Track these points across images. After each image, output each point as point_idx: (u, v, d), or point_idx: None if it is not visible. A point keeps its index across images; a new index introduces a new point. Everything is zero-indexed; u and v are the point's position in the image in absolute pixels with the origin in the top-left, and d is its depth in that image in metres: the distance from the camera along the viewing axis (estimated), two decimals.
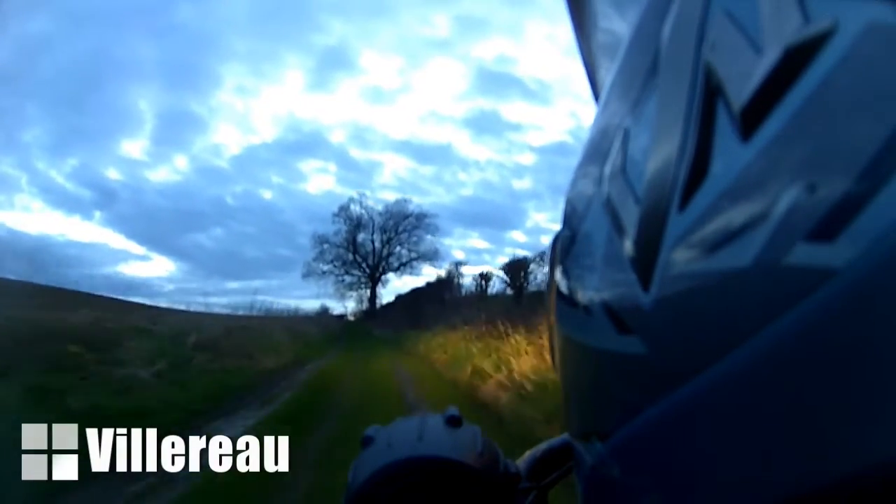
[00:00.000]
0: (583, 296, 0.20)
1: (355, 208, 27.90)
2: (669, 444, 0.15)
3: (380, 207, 28.03)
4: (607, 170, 0.19)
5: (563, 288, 0.23)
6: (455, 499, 0.29)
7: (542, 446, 0.40)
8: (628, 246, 0.17)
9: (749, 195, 0.12)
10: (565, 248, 0.24)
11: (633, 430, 0.17)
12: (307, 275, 27.75)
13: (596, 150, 0.21)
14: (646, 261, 0.16)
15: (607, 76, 0.22)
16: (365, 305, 29.19)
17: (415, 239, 27.79)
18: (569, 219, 0.24)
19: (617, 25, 0.31)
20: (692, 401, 0.14)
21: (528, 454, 0.39)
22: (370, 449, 0.33)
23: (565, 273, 0.23)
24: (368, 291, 29.19)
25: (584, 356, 0.21)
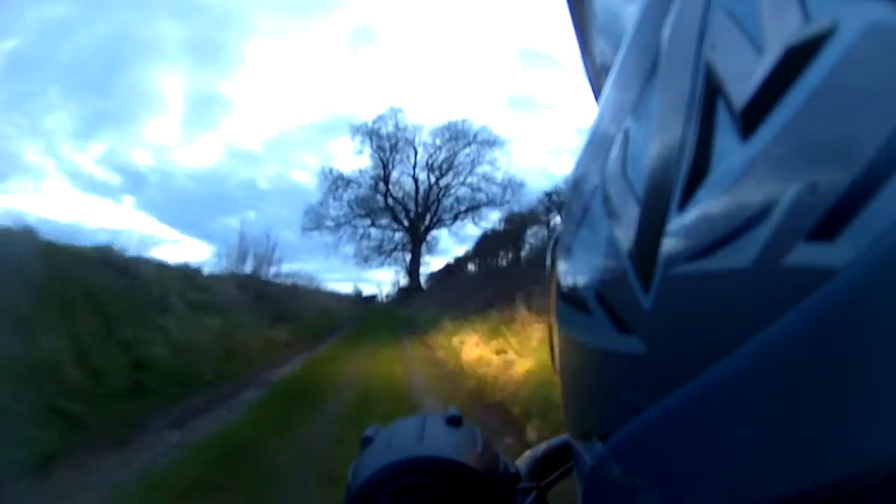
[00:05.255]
0: (583, 295, 0.20)
1: (388, 129, 18.17)
2: (669, 444, 0.15)
3: (426, 136, 18.08)
4: (607, 169, 0.19)
5: (564, 287, 0.23)
6: (455, 499, 0.29)
7: (542, 446, 0.40)
8: (628, 245, 0.17)
9: (749, 195, 0.12)
10: (565, 247, 0.24)
11: (633, 430, 0.17)
12: (310, 228, 18.12)
13: (596, 150, 0.21)
14: (646, 260, 0.16)
15: (608, 75, 0.22)
16: (403, 280, 19.13)
17: (475, 179, 17.68)
18: (569, 218, 0.24)
19: (617, 24, 0.31)
20: (692, 401, 0.14)
21: (528, 454, 0.39)
22: (370, 449, 0.33)
23: (565, 272, 0.23)
24: (409, 258, 18.75)
25: (584, 356, 0.21)
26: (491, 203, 18.42)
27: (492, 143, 18.39)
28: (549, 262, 0.29)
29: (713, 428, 0.13)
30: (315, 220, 18.75)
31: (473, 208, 18.67)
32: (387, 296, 20.77)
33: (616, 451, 0.18)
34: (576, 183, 0.24)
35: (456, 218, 19.08)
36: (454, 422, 0.34)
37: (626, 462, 0.18)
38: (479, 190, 18.52)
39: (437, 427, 0.33)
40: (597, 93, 0.35)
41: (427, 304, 13.67)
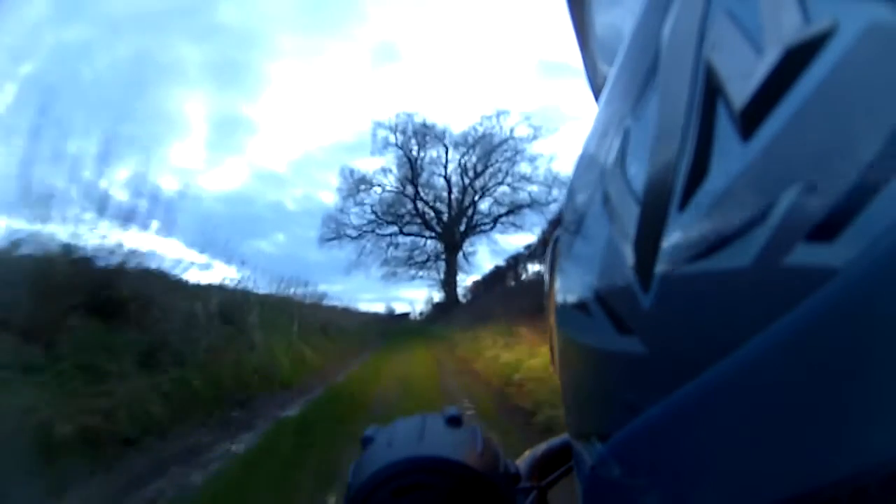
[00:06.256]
0: (583, 296, 0.20)
1: (414, 126, 15.77)
2: (669, 444, 0.15)
3: (456, 135, 15.84)
4: (607, 169, 0.19)
5: (563, 288, 0.23)
6: (455, 499, 0.29)
7: (542, 446, 0.40)
8: (628, 246, 0.17)
9: (749, 195, 0.12)
10: (565, 248, 0.24)
11: (633, 430, 0.17)
12: (329, 238, 16.06)
13: (596, 150, 0.21)
14: (645, 261, 0.16)
15: (608, 76, 0.22)
16: (438, 295, 16.61)
17: (513, 179, 15.23)
18: (569, 219, 0.24)
19: (617, 25, 0.31)
20: (692, 401, 0.14)
21: (528, 454, 0.39)
22: (370, 449, 0.33)
23: (565, 273, 0.23)
24: (443, 268, 16.42)
25: (584, 356, 0.21)
26: (535, 203, 15.86)
27: (531, 138, 15.70)
28: (548, 262, 0.29)
29: (713, 428, 0.13)
30: (335, 229, 16.47)
31: (515, 209, 16.13)
32: (420, 313, 18.48)
33: (616, 451, 0.18)
34: (576, 183, 0.24)
35: (496, 222, 16.50)
36: (454, 421, 0.34)
37: (626, 462, 0.18)
38: (521, 189, 15.93)
39: (438, 427, 0.33)
40: (597, 93, 0.35)
41: (463, 319, 10.61)
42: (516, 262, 12.04)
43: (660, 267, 0.15)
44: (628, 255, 0.17)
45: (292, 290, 9.74)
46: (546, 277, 0.29)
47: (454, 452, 0.30)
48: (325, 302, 11.74)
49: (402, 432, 0.33)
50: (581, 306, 0.20)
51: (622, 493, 0.19)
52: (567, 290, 0.23)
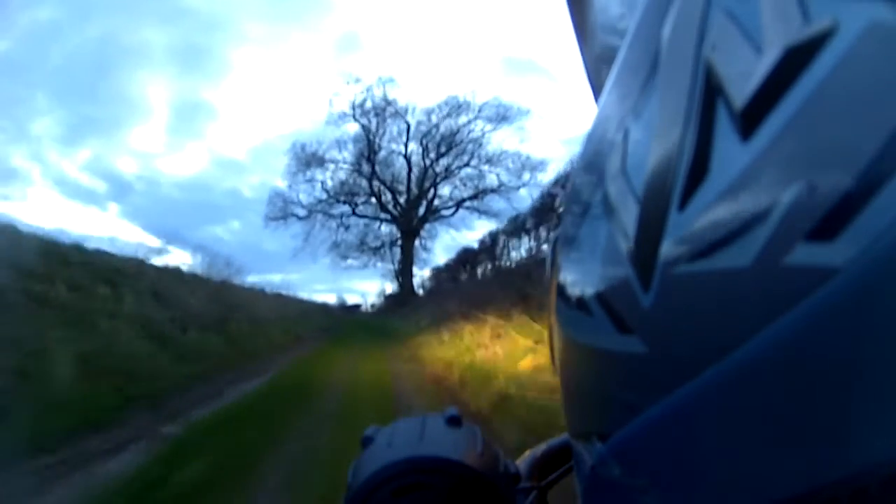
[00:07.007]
0: (583, 295, 0.20)
1: (374, 101, 14.46)
2: (669, 444, 0.15)
3: (420, 115, 14.32)
4: (607, 169, 0.19)
5: (563, 288, 0.23)
6: (455, 499, 0.29)
7: (542, 446, 0.40)
8: (628, 245, 0.17)
9: (749, 195, 0.12)
10: (565, 247, 0.24)
11: (633, 430, 0.17)
12: (275, 217, 14.56)
13: (596, 150, 0.21)
14: (646, 260, 0.16)
15: (607, 76, 0.22)
16: (392, 285, 15.16)
17: (476, 161, 13.87)
18: (569, 218, 0.24)
19: (617, 25, 0.31)
20: (692, 401, 0.14)
21: (528, 454, 0.39)
22: (370, 449, 0.33)
23: (565, 273, 0.23)
24: (398, 257, 14.80)
25: (584, 356, 0.21)
26: (503, 187, 14.21)
27: (500, 118, 14.26)
28: (548, 261, 0.29)
29: (713, 428, 0.13)
30: (282, 208, 14.58)
31: (480, 194, 14.42)
32: (372, 305, 17.57)
33: (616, 451, 0.18)
34: (575, 182, 0.24)
35: (459, 206, 14.71)
36: (454, 422, 0.34)
37: (626, 462, 0.18)
38: (489, 172, 14.30)
39: (438, 427, 0.33)
40: (596, 92, 0.35)
41: (430, 314, 8.48)
42: (494, 241, 9.50)
43: (660, 266, 0.15)
44: (628, 254, 0.17)
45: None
46: (546, 276, 0.29)
47: (454, 452, 0.30)
48: (243, 283, 8.77)
49: (402, 432, 0.33)
50: (581, 305, 0.20)
51: (622, 493, 0.19)
52: (567, 289, 0.23)
